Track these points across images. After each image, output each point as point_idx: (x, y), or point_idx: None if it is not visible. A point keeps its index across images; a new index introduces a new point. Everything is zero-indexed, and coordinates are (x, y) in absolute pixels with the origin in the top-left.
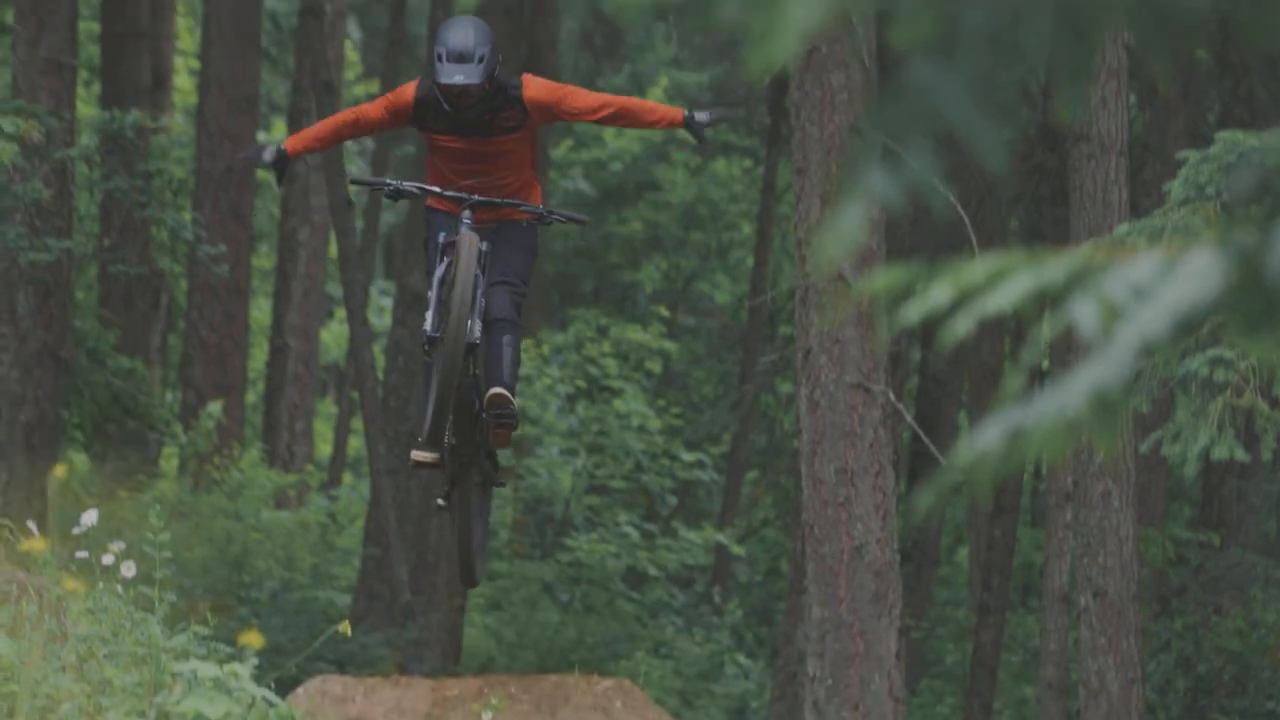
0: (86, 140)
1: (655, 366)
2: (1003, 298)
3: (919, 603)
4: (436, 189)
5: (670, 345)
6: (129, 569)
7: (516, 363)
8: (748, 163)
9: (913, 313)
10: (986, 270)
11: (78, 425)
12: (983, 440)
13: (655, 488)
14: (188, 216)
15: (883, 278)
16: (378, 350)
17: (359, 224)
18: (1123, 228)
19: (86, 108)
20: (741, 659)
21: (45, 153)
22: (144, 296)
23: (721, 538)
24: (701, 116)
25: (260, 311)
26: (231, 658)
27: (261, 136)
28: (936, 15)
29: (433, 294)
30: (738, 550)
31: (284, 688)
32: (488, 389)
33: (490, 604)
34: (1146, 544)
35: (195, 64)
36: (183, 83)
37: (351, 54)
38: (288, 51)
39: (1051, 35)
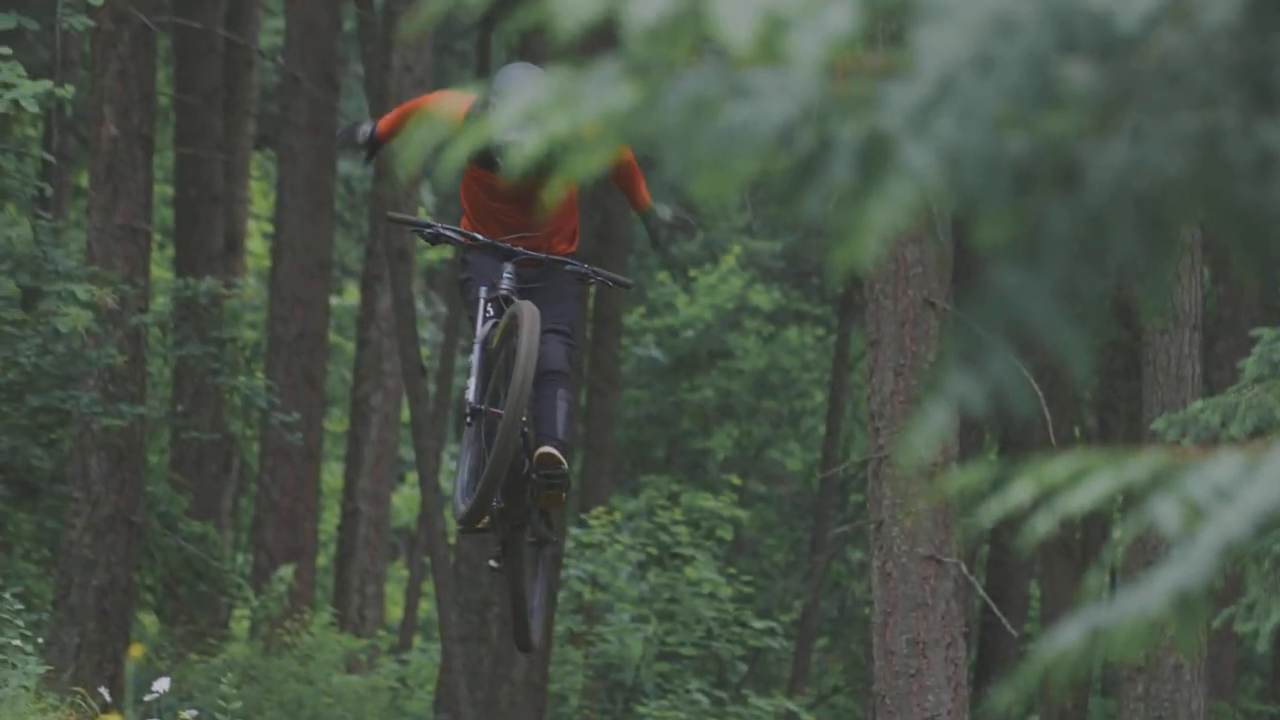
0: (161, 305)
1: (726, 534)
2: (1084, 496)
3: None
4: (480, 237)
5: (741, 513)
6: None
7: (570, 418)
8: (820, 331)
9: (994, 510)
10: (1068, 468)
11: (149, 588)
12: (1063, 638)
13: (726, 655)
14: (261, 383)
15: (964, 475)
16: (449, 516)
17: (431, 389)
18: (1196, 405)
19: (160, 270)
20: None
21: (119, 319)
22: (216, 460)
23: (792, 705)
24: (663, 213)
25: (332, 475)
26: None
27: (334, 302)
28: (1019, 218)
29: (475, 358)
30: (807, 718)
31: None
32: (537, 446)
33: None
34: (1218, 717)
35: (268, 228)
36: (256, 246)
37: (425, 218)
38: (361, 216)
39: (1134, 239)
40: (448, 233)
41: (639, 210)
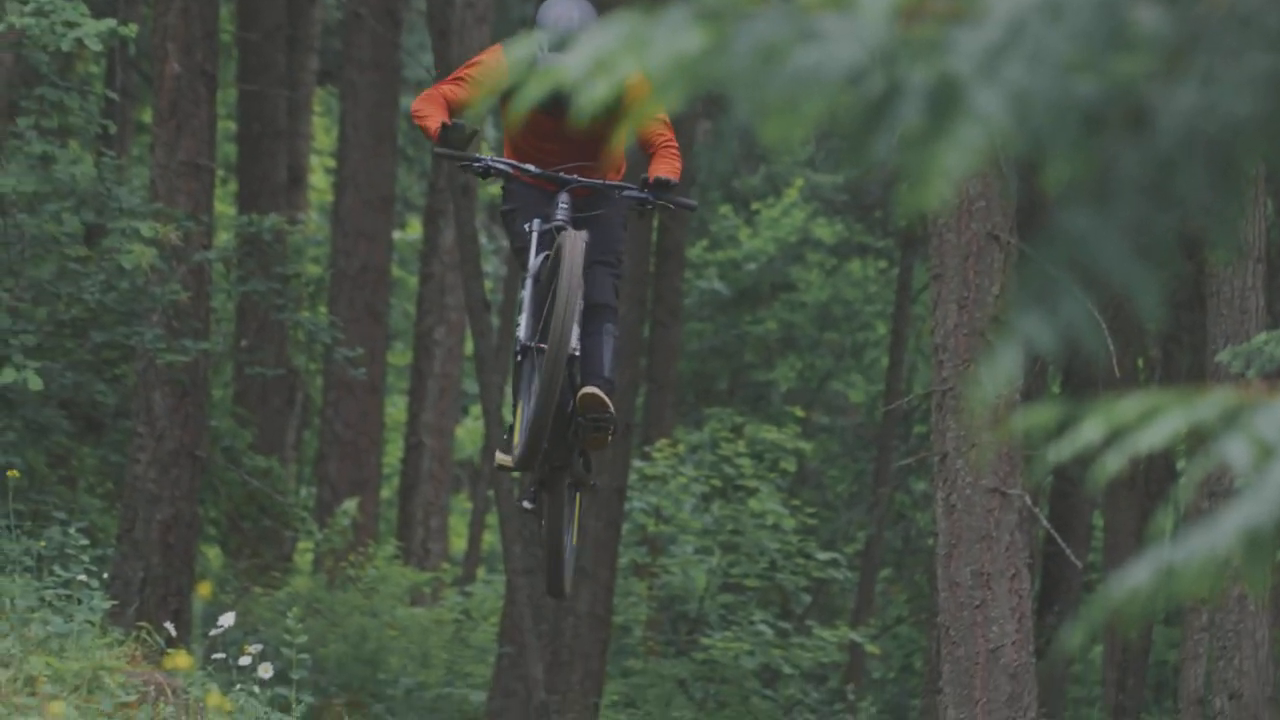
0: (224, 241)
1: (790, 466)
2: (1154, 436)
3: (1053, 700)
4: (531, 168)
5: (805, 444)
6: (267, 670)
7: (615, 354)
8: (882, 264)
9: (1064, 450)
10: (1138, 407)
11: (213, 523)
12: (1132, 577)
13: (789, 586)
14: (324, 317)
15: (1032, 414)
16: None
17: (495, 323)
18: (1261, 337)
19: (223, 206)
20: None
21: (183, 255)
22: (279, 394)
23: (855, 636)
24: (651, 191)
25: (395, 409)
26: None
27: (397, 236)
28: (1089, 161)
29: (526, 294)
30: (872, 648)
31: None
32: (583, 384)
33: (625, 701)
34: None
35: (331, 163)
36: (319, 181)
37: (487, 153)
38: (424, 150)
39: (1203, 180)
40: (499, 164)
41: (649, 173)
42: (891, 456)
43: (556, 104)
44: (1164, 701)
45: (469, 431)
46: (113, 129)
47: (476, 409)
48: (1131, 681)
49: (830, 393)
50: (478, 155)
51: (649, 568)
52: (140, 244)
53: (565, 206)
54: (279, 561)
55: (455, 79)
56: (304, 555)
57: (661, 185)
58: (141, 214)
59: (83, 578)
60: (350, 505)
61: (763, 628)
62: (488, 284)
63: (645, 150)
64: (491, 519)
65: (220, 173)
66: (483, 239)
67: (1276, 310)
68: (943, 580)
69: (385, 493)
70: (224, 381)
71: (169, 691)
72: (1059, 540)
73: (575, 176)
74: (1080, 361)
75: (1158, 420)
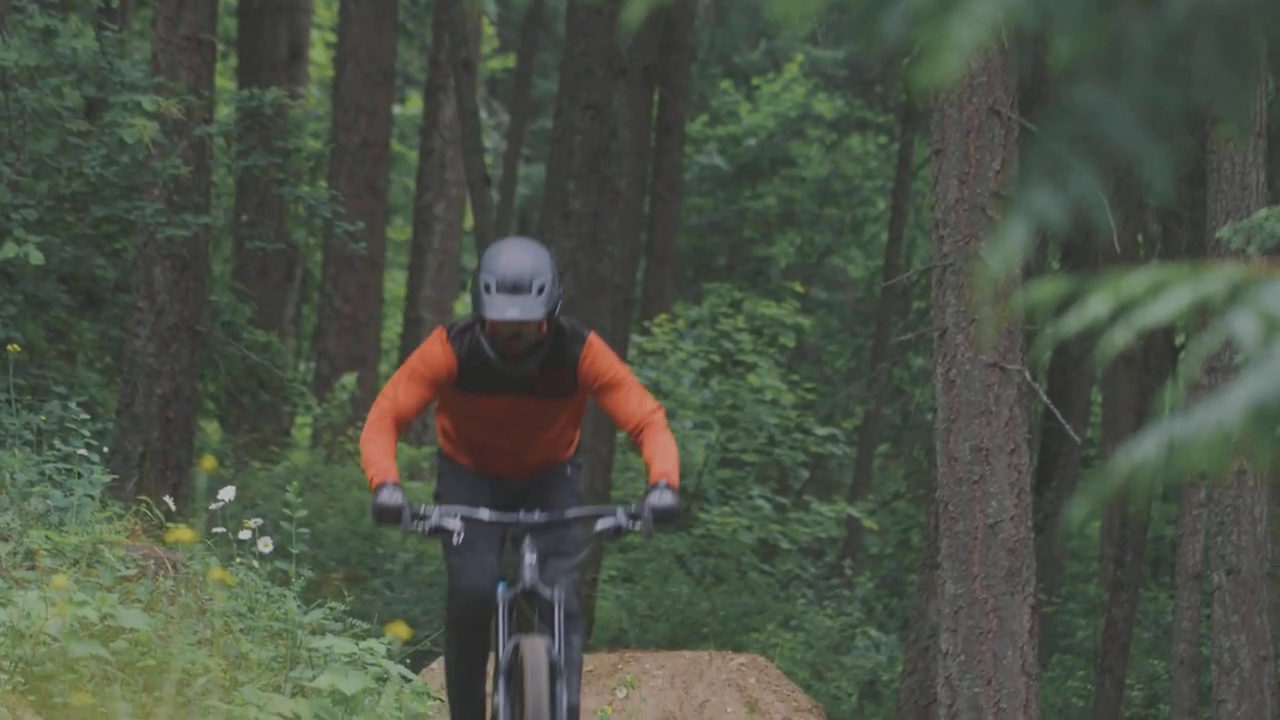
0: (225, 115)
1: (788, 341)
2: (1162, 310)
3: (1050, 576)
4: (484, 513)
5: (804, 320)
6: (266, 545)
7: (579, 673)
8: (883, 139)
9: (1071, 324)
10: (1145, 282)
11: (213, 397)
12: (1140, 451)
13: (788, 461)
14: (324, 192)
15: (1039, 289)
16: None
17: (494, 198)
18: (1261, 212)
19: (224, 80)
20: (872, 632)
21: (184, 129)
22: (279, 269)
23: (853, 511)
24: (644, 523)
25: (395, 284)
26: (367, 633)
27: (397, 111)
28: (1099, 36)
29: (500, 698)
30: (869, 523)
31: (419, 662)
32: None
33: (623, 576)
34: None
35: (332, 38)
36: (319, 56)
37: (488, 28)
38: (425, 25)
39: (1214, 56)
40: (448, 522)
41: (651, 480)
42: (890, 332)
43: (499, 380)
44: (1161, 577)
45: (467, 307)
46: (114, 2)
47: None
48: (1129, 557)
49: (829, 268)
50: (422, 511)
51: None
52: (141, 118)
53: (532, 565)
54: (278, 436)
55: (408, 377)
56: (303, 430)
57: (665, 517)
58: (142, 88)
59: (82, 452)
60: (349, 380)
61: (761, 503)
62: (488, 159)
63: (627, 429)
64: None
65: (221, 47)
66: (483, 114)
67: (1277, 186)
68: (941, 455)
69: (384, 367)
70: (224, 256)
71: (169, 565)
72: (1058, 415)
73: (535, 516)
74: (1080, 238)
75: (1165, 295)
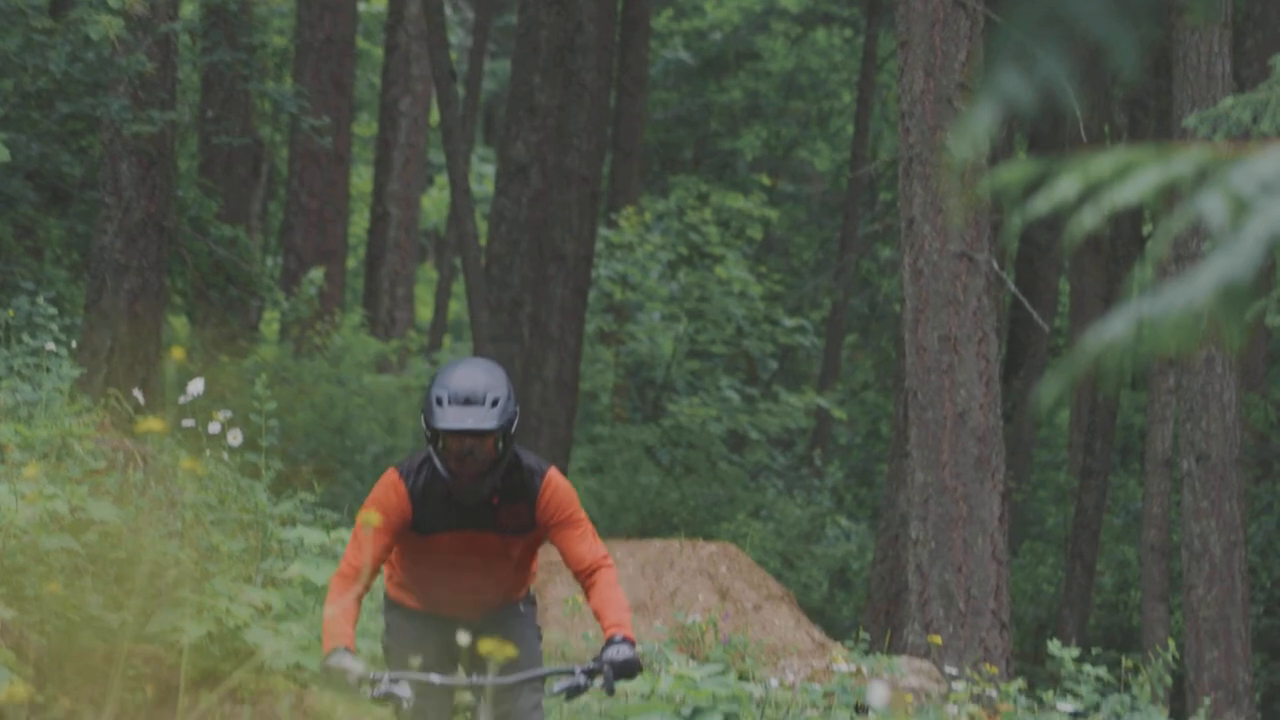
0: (190, 11)
1: (756, 233)
2: (1130, 191)
3: (1019, 465)
4: (434, 678)
5: (770, 212)
6: (236, 438)
7: None
8: (848, 32)
9: (1040, 206)
10: (1113, 163)
11: (180, 292)
12: (1110, 330)
13: (756, 352)
14: (289, 88)
15: (1005, 173)
16: (479, 218)
17: (460, 93)
18: (1227, 101)
19: None
20: (842, 521)
21: (149, 25)
22: (245, 165)
23: (822, 401)
24: (605, 680)
25: (361, 179)
26: (337, 524)
27: (362, 7)
28: None
29: None
30: (838, 413)
31: None
32: None
33: (592, 467)
34: (1249, 408)
35: None
36: None
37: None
38: None
39: None
40: (398, 690)
41: (605, 632)
42: (857, 223)
43: (454, 513)
44: (1131, 464)
45: (434, 201)
46: None
47: (442, 179)
48: (1099, 444)
49: (796, 161)
50: (372, 676)
51: (616, 335)
52: (106, 14)
53: None
54: (246, 331)
55: (363, 543)
56: (270, 325)
57: (625, 670)
58: None
59: (50, 347)
60: (316, 274)
61: (730, 393)
62: (453, 54)
63: (577, 570)
64: (458, 287)
65: None
66: (448, 9)
67: (1242, 76)
68: (909, 345)
69: (351, 262)
70: (190, 152)
71: (139, 458)
72: (1026, 305)
73: (487, 678)
74: (1047, 126)
75: (1133, 176)
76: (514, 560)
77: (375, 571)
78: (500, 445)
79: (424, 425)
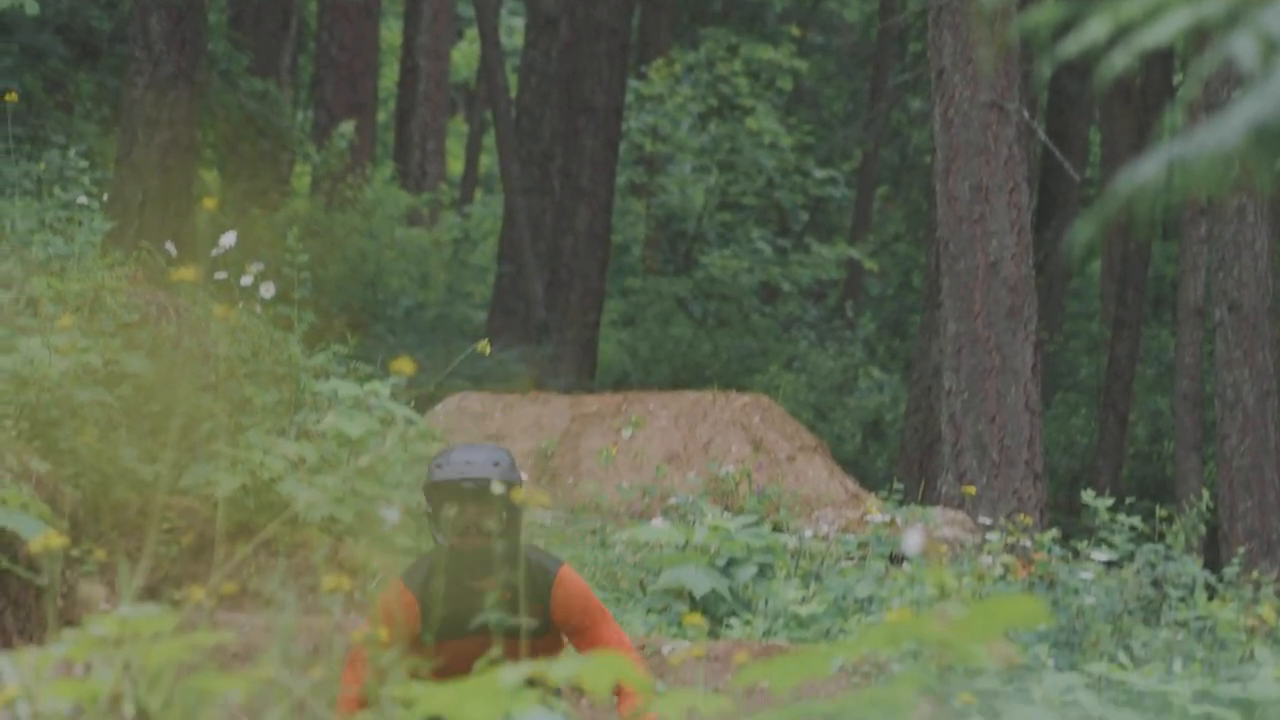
0: None
1: (786, 84)
2: (1161, 32)
3: (1052, 315)
4: None
5: (800, 63)
6: (268, 289)
7: None
8: None
9: (1070, 47)
10: (1144, 5)
11: (211, 145)
12: (1142, 171)
13: (787, 204)
14: None
15: (1037, 14)
16: (509, 70)
17: None
18: None
19: None
20: (875, 372)
21: None
22: (274, 17)
23: (853, 252)
24: None
25: (390, 31)
26: (371, 376)
27: None
28: None
29: None
30: (869, 265)
31: (422, 405)
32: None
33: (624, 319)
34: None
35: None
36: None
37: None
38: None
39: None
40: None
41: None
42: (887, 74)
43: (459, 608)
44: (1163, 314)
45: (464, 54)
46: None
47: (472, 31)
48: (1131, 294)
49: (825, 11)
50: None
51: (647, 187)
52: None
53: None
54: (277, 184)
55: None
56: (301, 178)
57: None
58: None
59: (82, 200)
60: (347, 128)
61: (761, 245)
62: None
63: (578, 642)
64: (488, 140)
65: None
66: None
67: None
68: (941, 195)
69: (382, 116)
70: (219, 6)
71: (172, 311)
72: (1057, 154)
73: None
74: None
75: (1164, 16)
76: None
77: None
78: (505, 514)
79: (424, 501)
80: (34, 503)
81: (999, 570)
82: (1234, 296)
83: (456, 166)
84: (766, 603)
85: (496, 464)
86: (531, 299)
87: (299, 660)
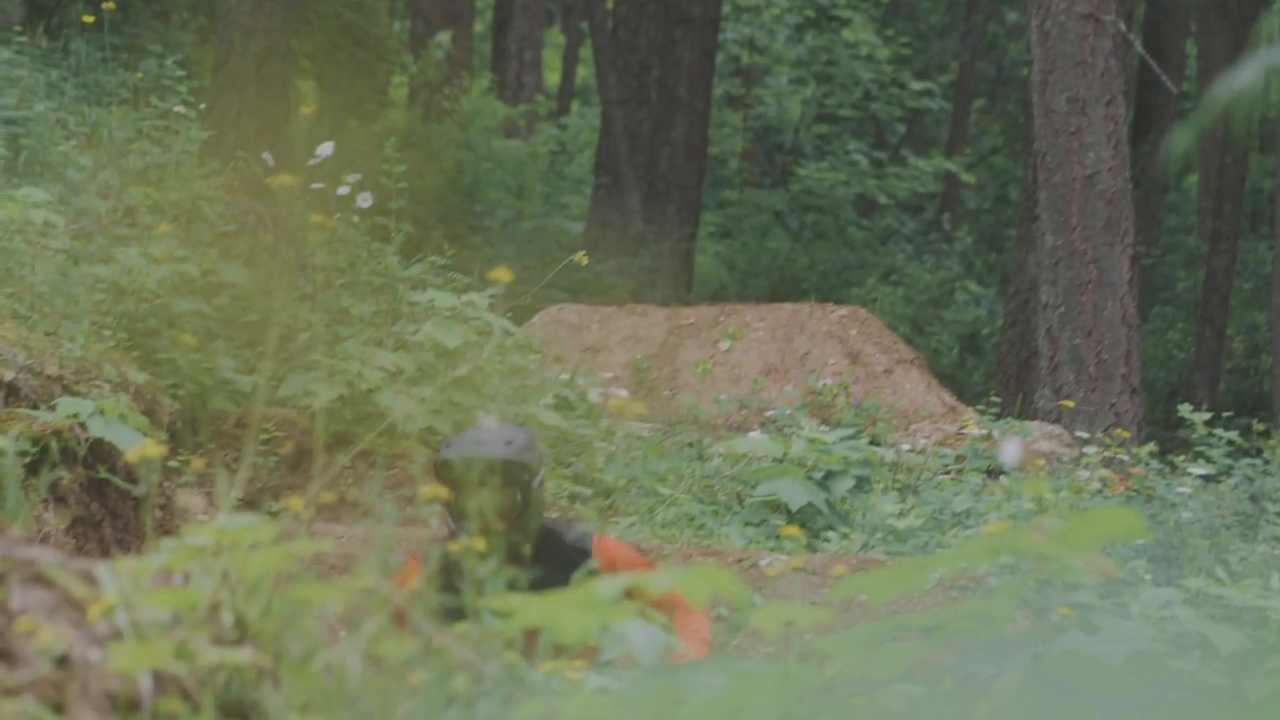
0: None
1: None
2: None
3: (1149, 229)
4: None
5: None
6: (366, 200)
7: None
8: None
9: None
10: None
11: (308, 55)
12: (1239, 80)
13: (884, 116)
14: None
15: None
16: None
17: None
18: None
19: None
20: (972, 286)
21: None
22: None
23: (950, 165)
24: None
25: None
26: (468, 287)
27: None
28: None
29: None
30: (967, 177)
31: (519, 316)
32: None
33: (722, 232)
34: None
35: None
36: None
37: None
38: None
39: None
40: None
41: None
42: None
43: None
44: (1260, 229)
45: None
46: None
47: None
48: (1228, 208)
49: None
50: None
51: (743, 98)
52: None
53: None
54: (374, 94)
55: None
56: (398, 89)
57: None
58: None
59: (179, 109)
60: (444, 38)
61: (858, 158)
62: None
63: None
64: (585, 52)
65: None
66: None
67: None
68: (1038, 107)
69: (479, 26)
70: None
71: (269, 221)
72: (1154, 66)
73: None
74: None
75: None
76: None
77: None
78: (520, 499)
79: (435, 480)
80: (132, 413)
81: (1096, 484)
82: None
83: (553, 78)
84: (864, 516)
85: (509, 443)
86: (629, 211)
87: (397, 570)
